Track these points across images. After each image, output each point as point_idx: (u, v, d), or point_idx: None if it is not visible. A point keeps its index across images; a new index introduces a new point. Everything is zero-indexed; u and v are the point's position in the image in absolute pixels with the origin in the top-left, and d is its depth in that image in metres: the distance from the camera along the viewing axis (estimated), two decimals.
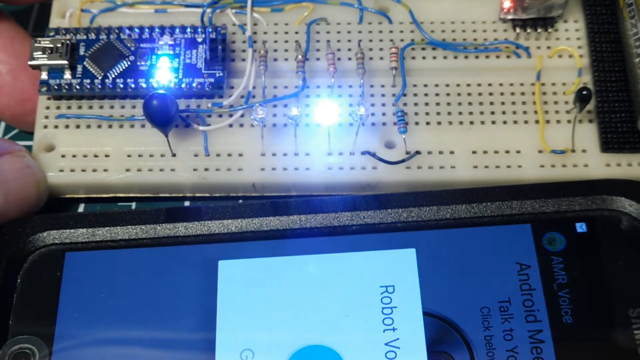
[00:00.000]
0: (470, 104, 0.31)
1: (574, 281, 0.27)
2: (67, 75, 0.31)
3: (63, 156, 0.30)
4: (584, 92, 0.29)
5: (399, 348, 0.26)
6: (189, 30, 0.32)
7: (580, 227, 0.28)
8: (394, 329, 0.26)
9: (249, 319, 0.27)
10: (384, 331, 0.26)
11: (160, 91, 0.29)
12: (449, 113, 0.31)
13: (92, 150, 0.30)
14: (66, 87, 0.30)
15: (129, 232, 0.28)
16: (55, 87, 0.30)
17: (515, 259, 0.27)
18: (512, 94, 0.32)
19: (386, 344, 0.26)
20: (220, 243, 0.28)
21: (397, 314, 0.26)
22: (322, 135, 0.30)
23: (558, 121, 0.31)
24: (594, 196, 0.28)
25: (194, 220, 0.28)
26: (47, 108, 0.31)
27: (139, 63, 0.31)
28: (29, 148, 0.31)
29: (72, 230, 0.28)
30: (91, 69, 0.31)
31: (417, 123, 0.31)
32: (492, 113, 0.31)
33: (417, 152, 0.30)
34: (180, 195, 0.31)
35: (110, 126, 0.31)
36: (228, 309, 0.27)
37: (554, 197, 0.28)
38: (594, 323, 0.26)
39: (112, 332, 0.26)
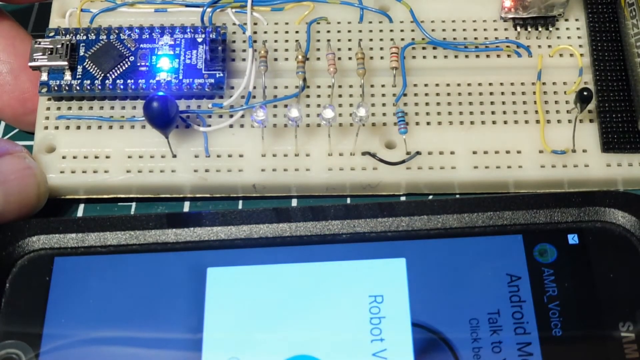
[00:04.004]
0: (470, 103, 0.31)
1: (565, 293, 0.27)
2: (67, 76, 0.31)
3: (64, 157, 0.30)
4: (585, 93, 0.28)
5: (386, 359, 0.26)
6: (189, 30, 0.32)
7: (572, 239, 0.28)
8: (381, 340, 0.26)
9: (236, 327, 0.26)
10: (371, 341, 0.26)
11: (160, 93, 0.29)
12: (450, 113, 0.31)
13: (92, 152, 0.30)
14: (66, 88, 0.30)
15: (119, 238, 0.28)
16: (56, 88, 0.30)
17: (506, 270, 0.27)
18: (513, 93, 0.32)
19: (374, 355, 0.26)
20: (210, 250, 0.28)
21: (385, 324, 0.26)
22: (323, 135, 0.30)
23: (559, 121, 0.31)
24: (587, 207, 0.28)
25: (183, 227, 0.28)
26: (48, 109, 0.31)
27: (139, 63, 0.31)
28: (29, 148, 0.31)
29: (62, 235, 0.28)
30: (91, 70, 0.31)
31: (417, 123, 0.31)
32: (493, 113, 0.31)
33: (418, 153, 0.30)
34: (181, 196, 0.31)
35: (110, 127, 0.31)
36: (216, 317, 0.27)
37: (546, 207, 0.28)
38: (583, 336, 0.26)
39: (100, 338, 0.26)
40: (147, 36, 0.31)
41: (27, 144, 0.31)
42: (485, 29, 0.33)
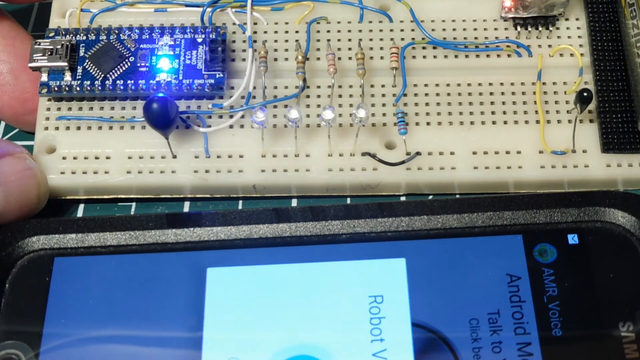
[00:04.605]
0: (470, 103, 0.31)
1: (565, 293, 0.27)
2: (67, 76, 0.31)
3: (64, 158, 0.30)
4: (585, 94, 0.28)
5: (386, 359, 0.26)
6: (189, 30, 0.32)
7: (572, 239, 0.28)
8: (381, 340, 0.26)
9: (236, 327, 0.27)
10: (371, 342, 0.26)
11: (160, 94, 0.29)
12: (450, 113, 0.31)
13: (92, 152, 0.30)
14: (66, 88, 0.30)
15: (119, 238, 0.28)
16: (55, 88, 0.30)
17: (506, 270, 0.27)
18: (513, 93, 0.32)
19: (374, 355, 0.26)
20: (210, 250, 0.28)
21: (385, 324, 0.26)
22: (323, 136, 0.30)
23: (559, 121, 0.31)
24: (587, 207, 0.28)
25: (183, 227, 0.28)
26: (48, 109, 0.31)
27: (139, 64, 0.31)
28: (29, 148, 0.31)
29: (62, 236, 0.28)
30: (91, 70, 0.31)
31: (417, 123, 0.31)
32: (493, 113, 0.31)
33: (418, 153, 0.30)
34: (181, 196, 0.31)
35: (110, 128, 0.31)
36: (216, 317, 0.27)
37: (546, 207, 0.28)
38: (583, 336, 0.26)
39: (100, 338, 0.26)
40: (147, 36, 0.31)
41: (27, 145, 0.31)
42: (485, 29, 0.33)
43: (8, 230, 0.28)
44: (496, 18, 0.33)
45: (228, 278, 0.27)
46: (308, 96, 0.31)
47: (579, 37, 0.33)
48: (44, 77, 0.31)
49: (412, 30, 0.33)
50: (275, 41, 0.32)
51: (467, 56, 0.32)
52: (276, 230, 0.28)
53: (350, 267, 0.28)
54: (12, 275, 0.28)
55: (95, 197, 0.31)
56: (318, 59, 0.32)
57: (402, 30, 0.33)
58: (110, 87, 0.31)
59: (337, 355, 0.26)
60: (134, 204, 0.31)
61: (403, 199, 0.31)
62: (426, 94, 0.32)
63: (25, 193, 0.29)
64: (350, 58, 0.32)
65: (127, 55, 0.31)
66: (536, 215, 0.28)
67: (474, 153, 0.30)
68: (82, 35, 0.31)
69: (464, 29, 0.33)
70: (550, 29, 0.33)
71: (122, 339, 0.26)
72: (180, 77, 0.31)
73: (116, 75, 0.31)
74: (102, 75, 0.31)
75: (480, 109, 0.31)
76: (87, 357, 0.26)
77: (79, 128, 0.31)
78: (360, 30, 0.33)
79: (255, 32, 0.33)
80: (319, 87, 0.32)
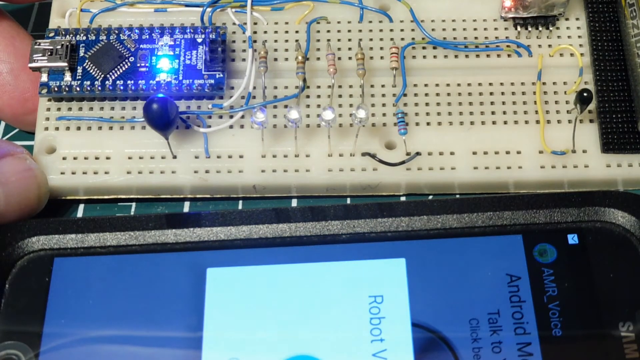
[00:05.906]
0: (470, 103, 0.31)
1: (565, 293, 0.27)
2: (67, 77, 0.31)
3: (64, 158, 0.30)
4: (585, 94, 0.28)
5: (386, 359, 0.26)
6: (188, 30, 0.32)
7: (572, 239, 0.28)
8: (381, 340, 0.26)
9: (236, 328, 0.27)
10: (371, 342, 0.26)
11: (160, 94, 0.29)
12: (450, 113, 0.31)
13: (92, 153, 0.30)
14: (66, 89, 0.30)
15: (118, 239, 0.28)
16: (55, 89, 0.30)
17: (506, 270, 0.27)
18: (513, 93, 0.32)
19: (374, 355, 0.26)
20: (209, 250, 0.28)
21: (385, 324, 0.26)
22: (323, 136, 0.30)
23: (559, 121, 0.31)
24: (587, 207, 0.28)
25: (183, 227, 0.28)
26: (48, 110, 0.31)
27: (138, 64, 0.31)
28: (29, 148, 0.31)
29: (61, 236, 0.28)
30: (91, 71, 0.31)
31: (417, 124, 0.31)
32: (493, 113, 0.31)
33: (418, 154, 0.30)
34: (181, 196, 0.31)
35: (110, 128, 0.31)
36: (216, 317, 0.27)
37: (546, 207, 0.28)
38: (583, 336, 0.26)
39: (99, 338, 0.26)
40: (147, 36, 0.31)
41: (27, 145, 0.31)
42: (485, 29, 0.33)
43: (8, 231, 0.28)
44: (496, 18, 0.33)
45: (228, 278, 0.27)
46: (308, 96, 0.31)
47: (579, 37, 0.33)
48: (44, 77, 0.31)
49: (412, 30, 0.33)
50: (275, 41, 0.32)
51: (467, 56, 0.32)
52: (276, 231, 0.28)
53: (350, 267, 0.28)
54: (12, 275, 0.28)
55: (95, 197, 0.31)
56: (318, 59, 0.32)
57: (402, 30, 0.33)
58: (110, 88, 0.31)
59: (337, 355, 0.26)
60: (134, 204, 0.31)
61: (403, 199, 0.31)
62: (426, 94, 0.32)
63: (26, 193, 0.29)
64: (350, 58, 0.32)
65: (127, 56, 0.31)
66: (536, 215, 0.28)
67: (474, 153, 0.30)
68: (82, 35, 0.31)
69: (464, 29, 0.33)
70: (550, 29, 0.33)
71: (122, 339, 0.26)
72: (180, 77, 0.31)
73: (116, 75, 0.31)
74: (102, 76, 0.31)
75: (480, 109, 0.31)
76: (87, 357, 0.26)
77: (79, 128, 0.31)
78: (360, 30, 0.33)
79: (255, 32, 0.33)
80: (319, 87, 0.32)
